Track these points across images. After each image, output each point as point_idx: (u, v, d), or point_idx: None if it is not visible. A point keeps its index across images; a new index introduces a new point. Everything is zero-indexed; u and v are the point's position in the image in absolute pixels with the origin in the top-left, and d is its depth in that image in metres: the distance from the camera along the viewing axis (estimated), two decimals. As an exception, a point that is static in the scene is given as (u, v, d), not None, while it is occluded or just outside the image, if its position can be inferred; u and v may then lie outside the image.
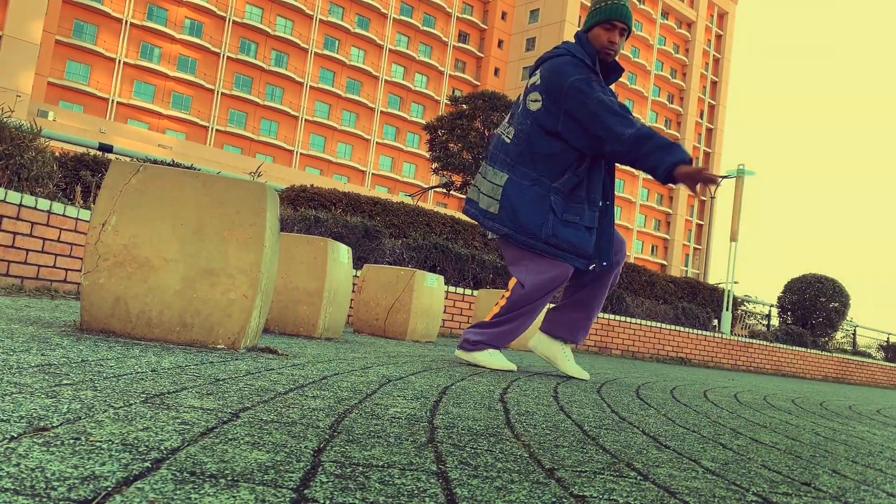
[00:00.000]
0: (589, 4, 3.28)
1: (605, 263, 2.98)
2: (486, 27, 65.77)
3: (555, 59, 2.96)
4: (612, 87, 3.24)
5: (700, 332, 10.85)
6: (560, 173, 2.89)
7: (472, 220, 3.59)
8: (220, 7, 50.76)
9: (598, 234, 2.98)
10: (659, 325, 10.14)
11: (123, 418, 0.96)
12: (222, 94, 50.90)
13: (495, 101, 22.76)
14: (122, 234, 2.13)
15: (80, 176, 7.17)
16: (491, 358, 3.05)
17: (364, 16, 58.03)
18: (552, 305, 3.31)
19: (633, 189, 70.42)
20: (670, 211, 74.06)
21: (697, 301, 14.61)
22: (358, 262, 7.23)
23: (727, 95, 78.71)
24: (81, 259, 3.13)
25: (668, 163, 2.69)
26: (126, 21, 46.68)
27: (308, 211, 8.11)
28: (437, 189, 29.07)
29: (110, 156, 9.18)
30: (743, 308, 17.57)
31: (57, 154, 6.80)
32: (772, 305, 18.43)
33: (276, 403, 1.27)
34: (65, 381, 1.19)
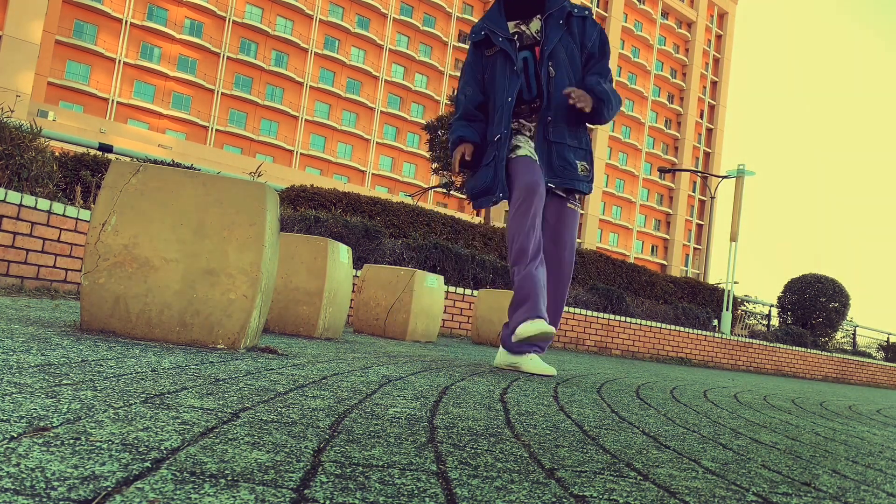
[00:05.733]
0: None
1: (500, 195, 2.91)
2: (485, 27, 65.66)
3: None
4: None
5: (700, 331, 10.85)
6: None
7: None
8: (220, 7, 50.75)
9: (495, 167, 2.94)
10: (659, 325, 10.14)
11: (123, 418, 0.96)
12: (222, 94, 50.89)
13: (495, 101, 22.66)
14: (122, 234, 2.13)
15: (80, 176, 7.17)
16: (531, 363, 2.99)
17: (364, 16, 58.01)
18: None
19: (633, 189, 70.36)
20: (670, 211, 74.01)
21: (697, 301, 14.61)
22: (358, 262, 7.23)
23: (727, 95, 78.73)
24: (81, 259, 3.13)
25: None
26: (126, 21, 46.67)
27: (308, 211, 8.11)
28: (437, 189, 29.04)
29: (110, 156, 9.19)
30: (743, 308, 17.57)
31: (57, 154, 6.80)
32: (772, 305, 18.43)
33: (276, 403, 1.27)
34: (65, 381, 1.19)
